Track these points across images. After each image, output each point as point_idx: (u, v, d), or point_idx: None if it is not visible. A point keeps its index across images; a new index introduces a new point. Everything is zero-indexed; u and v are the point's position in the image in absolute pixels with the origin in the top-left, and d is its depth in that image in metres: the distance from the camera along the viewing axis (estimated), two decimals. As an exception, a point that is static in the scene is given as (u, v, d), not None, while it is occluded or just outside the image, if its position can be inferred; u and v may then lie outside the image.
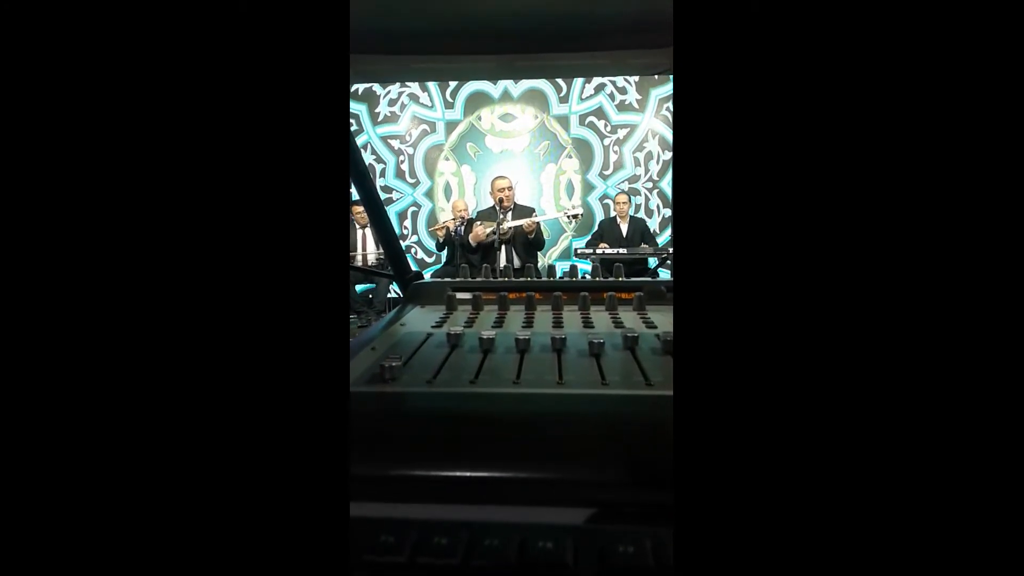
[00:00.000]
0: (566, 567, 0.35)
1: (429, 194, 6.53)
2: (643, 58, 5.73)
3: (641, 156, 6.17)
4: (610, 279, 0.98)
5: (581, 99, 6.25)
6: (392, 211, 6.55)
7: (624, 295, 0.89)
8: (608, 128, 6.20)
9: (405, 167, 6.53)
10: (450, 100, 6.44)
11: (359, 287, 5.68)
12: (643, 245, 4.97)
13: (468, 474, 0.40)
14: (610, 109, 6.20)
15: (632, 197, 5.66)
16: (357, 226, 5.55)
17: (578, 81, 6.22)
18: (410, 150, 6.51)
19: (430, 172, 6.51)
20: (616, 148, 6.22)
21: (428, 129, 6.48)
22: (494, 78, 6.32)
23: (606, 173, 6.19)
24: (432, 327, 0.76)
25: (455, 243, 4.84)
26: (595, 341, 0.61)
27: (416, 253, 6.54)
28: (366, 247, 5.55)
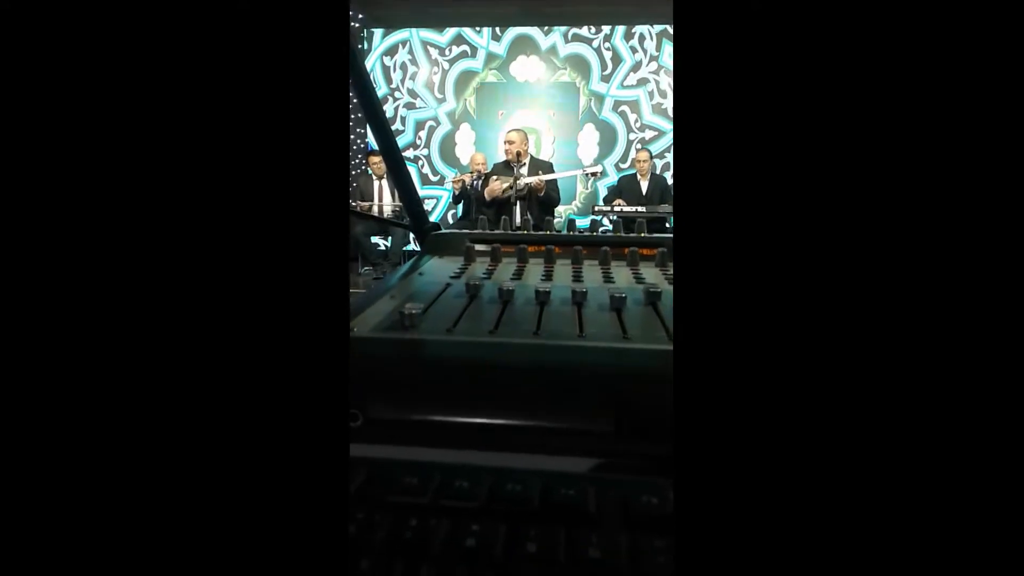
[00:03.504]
0: (586, 513, 0.37)
1: (451, 116, 6.54)
2: (665, 6, 5.61)
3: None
4: (631, 235, 0.96)
5: (622, 85, 6.40)
6: (411, 117, 6.52)
7: (645, 251, 0.88)
8: (638, 124, 6.39)
9: (436, 79, 6.48)
10: (499, 33, 6.41)
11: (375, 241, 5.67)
12: (663, 204, 4.89)
13: (488, 421, 0.42)
14: (646, 107, 6.38)
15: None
16: (374, 177, 5.53)
17: (625, 65, 6.34)
18: (446, 65, 6.45)
19: (458, 95, 6.50)
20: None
21: (468, 52, 6.44)
22: (517, 23, 6.35)
23: (622, 166, 6.37)
24: (451, 277, 0.76)
25: (471, 197, 4.78)
26: (616, 295, 0.60)
27: (423, 167, 6.60)
28: (382, 198, 5.54)
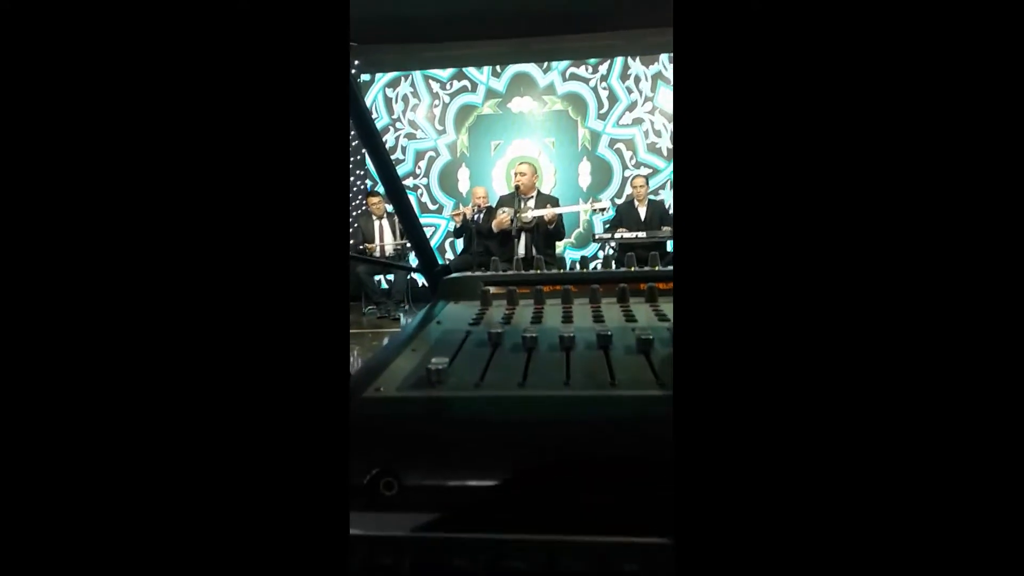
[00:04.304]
0: None
1: (451, 147, 6.64)
2: (658, 37, 6.01)
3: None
4: (646, 269, 0.94)
5: (618, 123, 6.56)
6: (412, 148, 6.60)
7: (662, 285, 0.87)
8: (633, 162, 6.53)
9: (437, 111, 6.60)
10: (498, 70, 6.58)
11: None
12: (663, 228, 4.94)
13: (527, 487, 0.41)
14: (641, 145, 6.54)
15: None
16: (374, 217, 5.56)
17: (621, 104, 6.52)
18: (447, 99, 6.58)
19: (458, 128, 6.62)
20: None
21: (469, 87, 6.58)
22: (510, 62, 6.56)
23: (617, 201, 6.52)
24: (469, 324, 0.75)
25: (472, 230, 4.81)
26: (643, 337, 0.59)
27: (422, 195, 6.66)
28: (383, 238, 5.57)
